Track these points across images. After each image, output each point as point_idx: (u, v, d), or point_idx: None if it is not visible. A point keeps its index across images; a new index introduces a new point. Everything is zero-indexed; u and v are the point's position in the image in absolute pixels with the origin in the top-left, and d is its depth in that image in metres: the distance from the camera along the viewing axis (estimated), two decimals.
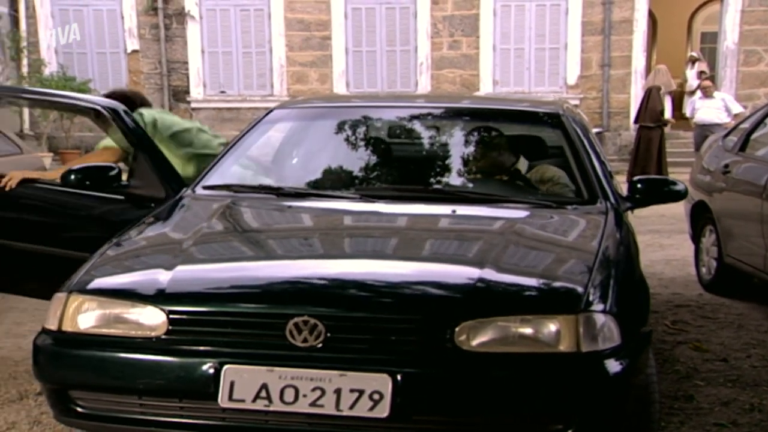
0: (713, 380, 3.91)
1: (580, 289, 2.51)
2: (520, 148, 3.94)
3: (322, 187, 3.61)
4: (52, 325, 2.61)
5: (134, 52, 14.90)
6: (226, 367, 2.39)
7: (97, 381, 2.55)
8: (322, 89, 14.87)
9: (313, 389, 2.34)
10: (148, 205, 3.54)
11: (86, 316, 2.58)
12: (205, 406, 2.43)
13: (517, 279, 2.68)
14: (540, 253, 2.93)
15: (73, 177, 3.60)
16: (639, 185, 3.52)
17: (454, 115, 4.18)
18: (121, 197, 3.74)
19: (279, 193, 3.49)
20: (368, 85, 14.93)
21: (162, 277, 2.61)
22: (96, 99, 3.88)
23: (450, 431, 2.42)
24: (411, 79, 15.00)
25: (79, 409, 2.59)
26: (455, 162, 3.81)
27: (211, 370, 2.39)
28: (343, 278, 2.69)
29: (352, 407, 2.32)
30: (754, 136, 5.57)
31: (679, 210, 6.70)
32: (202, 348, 2.46)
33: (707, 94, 12.19)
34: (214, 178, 3.63)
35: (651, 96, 12.23)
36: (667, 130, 12.77)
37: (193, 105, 15.11)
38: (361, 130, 4.01)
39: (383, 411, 2.31)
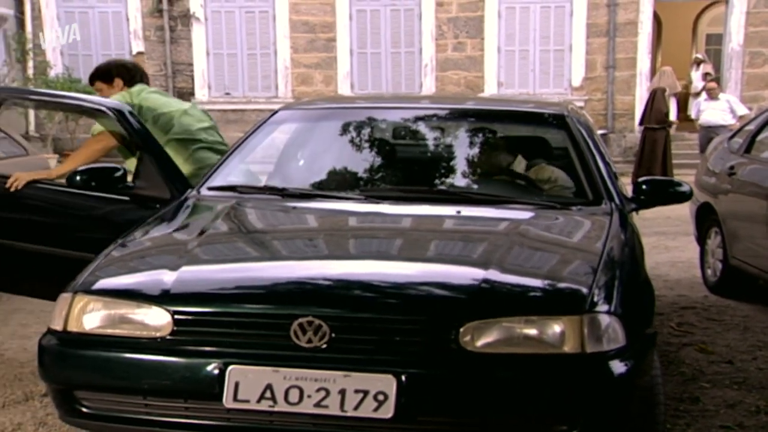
0: (719, 382, 3.90)
1: (584, 290, 2.51)
2: (524, 150, 3.93)
3: (326, 188, 3.61)
4: (58, 326, 2.61)
5: (139, 53, 14.93)
6: (230, 367, 2.39)
7: (102, 381, 2.56)
8: (327, 91, 14.88)
9: (318, 390, 2.34)
10: (153, 206, 3.54)
11: (91, 317, 2.58)
12: (210, 407, 2.43)
13: (521, 280, 2.68)
14: (544, 254, 2.93)
15: (78, 178, 3.61)
16: (644, 186, 3.52)
17: (459, 116, 4.18)
18: (126, 198, 3.75)
19: (284, 194, 3.50)
20: (373, 86, 14.93)
21: (167, 277, 2.61)
22: (102, 100, 3.88)
23: None
24: (415, 81, 15.00)
25: (84, 410, 2.59)
26: (460, 163, 3.81)
27: (216, 371, 2.40)
28: (348, 279, 2.69)
29: (356, 408, 2.32)
30: (760, 137, 5.56)
31: (684, 212, 6.69)
32: (206, 348, 2.46)
33: (712, 96, 12.17)
34: (218, 179, 3.64)
35: (656, 97, 12.21)
36: (672, 131, 12.75)
37: (198, 106, 15.07)
38: (366, 131, 4.02)
39: (388, 412, 2.31)
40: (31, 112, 14.11)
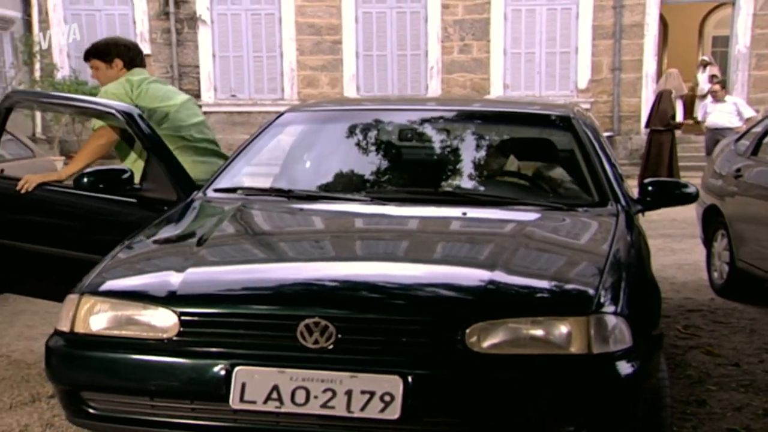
0: (726, 385, 3.89)
1: (591, 291, 2.51)
2: (530, 151, 3.93)
3: (332, 190, 3.62)
4: (65, 327, 2.62)
5: (146, 56, 14.92)
6: (237, 368, 2.39)
7: (109, 382, 2.56)
8: (333, 93, 14.89)
9: (324, 391, 2.34)
10: (160, 208, 3.55)
11: (98, 318, 2.59)
12: (217, 408, 2.43)
13: (527, 281, 2.68)
14: (551, 256, 2.93)
15: (86, 180, 3.62)
16: (650, 188, 3.51)
17: (465, 118, 4.18)
18: (133, 200, 3.75)
19: (290, 195, 3.50)
20: (379, 89, 14.94)
21: (173, 279, 2.62)
22: (112, 103, 3.88)
23: None
24: (421, 83, 15.01)
25: (91, 411, 2.60)
26: (466, 165, 3.81)
27: (223, 372, 2.40)
28: (354, 280, 2.69)
29: (363, 409, 2.32)
30: (767, 140, 5.55)
31: (690, 214, 6.68)
32: (213, 349, 2.46)
33: (716, 98, 12.15)
34: (225, 180, 3.65)
35: (662, 99, 12.19)
36: (678, 134, 12.73)
37: (204, 109, 15.12)
38: (372, 133, 4.02)
39: (394, 412, 2.31)
40: (38, 114, 14.15)
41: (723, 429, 3.38)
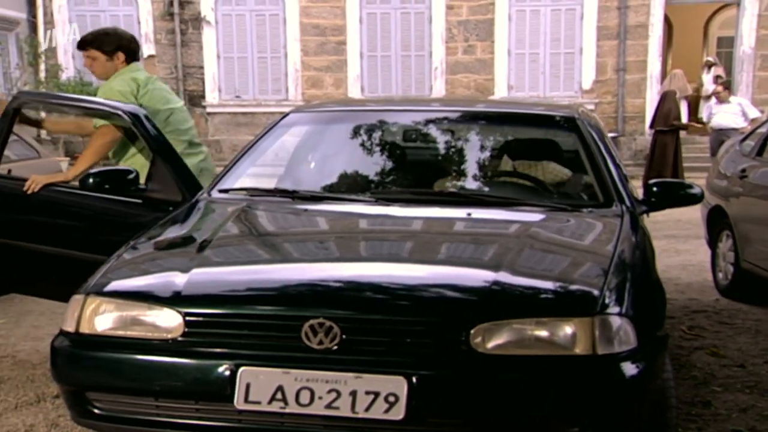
0: (731, 386, 3.88)
1: (595, 292, 2.50)
2: (535, 152, 3.93)
3: (337, 191, 3.62)
4: (70, 327, 2.63)
5: (150, 56, 14.98)
6: (242, 369, 2.40)
7: (114, 382, 2.57)
8: (337, 94, 14.90)
9: (329, 391, 2.35)
10: (165, 209, 3.56)
11: (103, 318, 2.59)
12: (221, 408, 2.44)
13: (532, 282, 2.67)
14: (555, 256, 2.92)
15: (91, 181, 3.62)
16: (654, 189, 3.51)
17: (469, 118, 4.18)
18: (139, 200, 3.76)
19: (294, 196, 3.50)
20: (383, 89, 14.95)
21: (178, 279, 2.62)
22: (118, 104, 3.88)
23: None
24: (426, 84, 15.01)
25: (96, 411, 2.60)
26: (470, 165, 3.81)
27: (227, 372, 2.40)
28: (359, 281, 2.69)
29: (367, 409, 2.32)
30: None
31: (695, 215, 6.67)
32: (218, 350, 2.46)
33: (721, 99, 12.13)
34: (229, 181, 3.65)
35: (666, 100, 12.18)
36: (683, 134, 12.70)
37: (209, 110, 15.18)
38: (377, 133, 4.02)
39: (399, 413, 2.31)
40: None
41: (728, 430, 3.38)
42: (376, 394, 2.32)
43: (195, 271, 2.68)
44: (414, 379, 2.32)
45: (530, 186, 3.72)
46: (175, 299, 2.54)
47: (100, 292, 2.64)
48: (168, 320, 2.52)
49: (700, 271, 6.42)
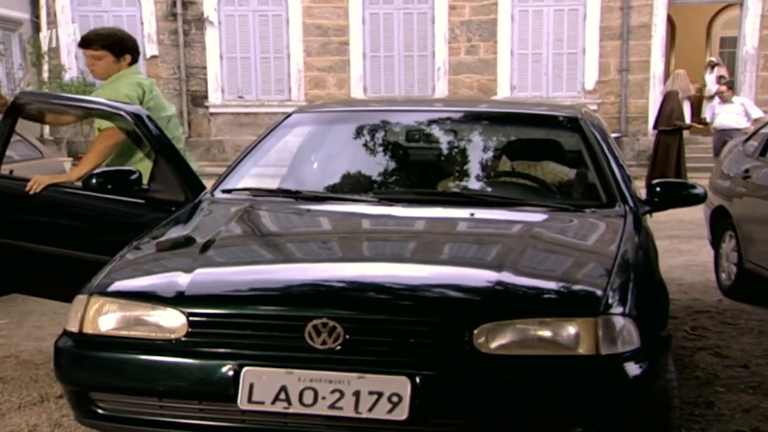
0: (734, 387, 3.88)
1: (599, 292, 2.50)
2: (538, 152, 3.93)
3: (340, 191, 3.62)
4: (73, 327, 2.63)
5: (153, 57, 15.00)
6: (245, 369, 2.40)
7: (117, 383, 2.57)
8: (340, 94, 14.91)
9: (332, 391, 2.35)
10: (168, 209, 3.56)
11: (107, 318, 2.59)
12: (225, 408, 2.44)
13: (535, 282, 2.67)
14: (558, 257, 2.92)
15: (94, 181, 3.63)
16: (658, 188, 3.50)
17: (472, 119, 4.18)
18: (141, 201, 3.77)
19: (297, 196, 3.50)
20: (386, 90, 14.96)
21: (181, 279, 2.62)
22: (121, 105, 3.88)
23: None
24: (428, 84, 15.01)
25: (99, 411, 2.60)
26: (473, 165, 3.81)
27: (231, 372, 2.40)
28: (362, 281, 2.69)
29: (371, 410, 2.32)
30: None
31: (698, 215, 6.66)
32: (221, 350, 2.47)
33: (724, 99, 12.12)
34: (232, 181, 3.65)
35: (669, 100, 12.17)
36: (686, 134, 12.70)
37: (212, 110, 15.19)
38: (379, 134, 4.02)
39: (402, 413, 2.31)
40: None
41: (731, 431, 3.37)
42: (380, 395, 2.32)
43: (198, 271, 2.68)
44: (417, 380, 2.32)
45: (533, 186, 3.72)
46: (178, 299, 2.54)
47: (103, 292, 2.64)
48: (171, 320, 2.52)
49: (703, 272, 6.42)
